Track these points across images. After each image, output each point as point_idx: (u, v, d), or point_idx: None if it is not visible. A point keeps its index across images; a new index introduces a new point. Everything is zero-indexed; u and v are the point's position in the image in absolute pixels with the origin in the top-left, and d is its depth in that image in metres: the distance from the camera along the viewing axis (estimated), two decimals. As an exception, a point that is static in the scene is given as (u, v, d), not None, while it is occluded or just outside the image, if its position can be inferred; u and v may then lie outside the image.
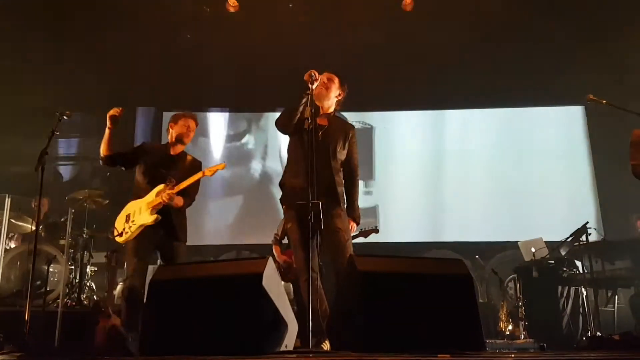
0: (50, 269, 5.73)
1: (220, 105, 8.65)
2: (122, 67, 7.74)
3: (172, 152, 4.23)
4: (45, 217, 6.42)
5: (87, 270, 5.92)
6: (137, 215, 4.00)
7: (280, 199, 3.65)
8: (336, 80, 3.71)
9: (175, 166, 4.15)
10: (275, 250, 5.64)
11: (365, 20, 7.57)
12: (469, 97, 8.27)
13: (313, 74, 3.34)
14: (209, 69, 7.96)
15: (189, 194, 4.13)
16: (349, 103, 3.84)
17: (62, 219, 6.14)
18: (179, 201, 4.04)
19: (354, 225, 3.73)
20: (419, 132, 8.53)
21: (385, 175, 8.34)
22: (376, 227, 5.72)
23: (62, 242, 6.07)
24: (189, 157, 4.29)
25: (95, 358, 3.20)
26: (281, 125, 3.58)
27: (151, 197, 4.00)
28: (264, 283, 2.55)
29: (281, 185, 3.66)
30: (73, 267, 5.95)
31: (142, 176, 4.14)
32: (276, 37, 7.59)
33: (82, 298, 5.67)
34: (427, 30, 7.67)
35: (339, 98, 3.75)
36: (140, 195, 4.08)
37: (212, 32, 7.86)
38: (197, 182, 4.10)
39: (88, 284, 5.95)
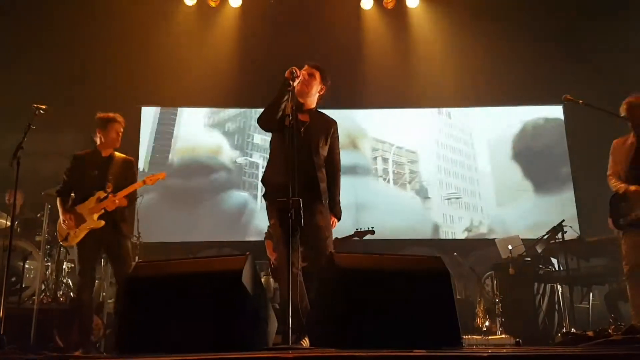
0: (26, 266, 5.64)
1: (199, 103, 8.56)
2: (100, 61, 7.67)
3: (104, 155, 4.48)
4: (20, 213, 6.31)
5: (64, 266, 5.83)
6: (88, 221, 4.30)
7: (263, 195, 3.65)
8: (317, 75, 3.67)
9: (110, 167, 4.43)
10: (267, 246, 5.45)
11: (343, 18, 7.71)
12: (450, 95, 8.34)
13: (294, 71, 3.34)
14: (188, 64, 7.96)
15: (130, 194, 4.48)
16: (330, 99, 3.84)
17: (38, 215, 6.05)
18: (122, 202, 4.37)
19: (335, 220, 3.73)
20: (400, 129, 8.58)
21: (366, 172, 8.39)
22: (372, 228, 5.69)
23: (38, 238, 5.97)
24: (120, 156, 4.54)
25: (71, 355, 3.17)
26: (264, 123, 3.57)
27: (92, 203, 4.32)
28: (243, 280, 2.54)
29: (263, 181, 3.65)
30: (49, 264, 5.86)
31: (81, 182, 4.40)
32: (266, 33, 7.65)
33: (58, 295, 5.59)
34: (412, 29, 7.81)
35: (321, 93, 3.73)
36: (85, 198, 4.36)
37: (192, 27, 7.85)
38: (134, 172, 4.59)
39: (64, 281, 5.86)
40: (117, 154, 4.53)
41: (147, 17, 7.72)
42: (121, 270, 4.26)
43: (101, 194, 4.32)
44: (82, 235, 4.27)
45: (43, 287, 5.61)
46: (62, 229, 4.35)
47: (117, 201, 4.30)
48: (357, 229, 5.61)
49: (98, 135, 4.46)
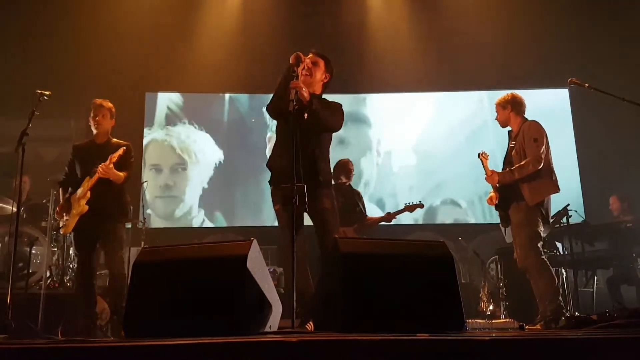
0: (33, 251, 5.68)
1: (203, 88, 8.54)
2: (105, 46, 7.65)
3: (98, 142, 4.44)
4: (27, 199, 6.33)
5: (71, 252, 5.87)
6: (75, 207, 4.29)
7: (269, 181, 3.67)
8: (322, 64, 3.67)
9: (104, 154, 4.28)
10: None
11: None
12: (458, 79, 8.31)
13: (299, 56, 3.34)
14: (192, 49, 7.95)
15: (126, 167, 4.35)
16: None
17: (44, 201, 6.07)
18: (117, 177, 4.25)
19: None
20: (405, 112, 8.55)
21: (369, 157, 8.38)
22: (420, 202, 5.74)
23: (44, 224, 6.01)
24: (114, 142, 4.44)
25: (78, 339, 3.20)
26: (272, 112, 3.59)
27: (82, 190, 4.28)
28: (248, 265, 2.55)
29: (269, 167, 3.68)
30: (56, 249, 5.89)
31: (78, 172, 4.39)
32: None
33: (65, 280, 5.63)
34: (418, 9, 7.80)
35: (325, 81, 3.73)
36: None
37: (196, 11, 7.82)
38: (130, 158, 4.37)
39: (71, 266, 5.90)
40: (114, 140, 4.45)
41: (151, 1, 7.69)
42: (111, 258, 4.27)
43: (87, 179, 4.26)
44: (73, 223, 4.25)
45: (49, 272, 5.66)
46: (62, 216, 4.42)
47: (106, 167, 4.14)
48: (406, 204, 5.64)
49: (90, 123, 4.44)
